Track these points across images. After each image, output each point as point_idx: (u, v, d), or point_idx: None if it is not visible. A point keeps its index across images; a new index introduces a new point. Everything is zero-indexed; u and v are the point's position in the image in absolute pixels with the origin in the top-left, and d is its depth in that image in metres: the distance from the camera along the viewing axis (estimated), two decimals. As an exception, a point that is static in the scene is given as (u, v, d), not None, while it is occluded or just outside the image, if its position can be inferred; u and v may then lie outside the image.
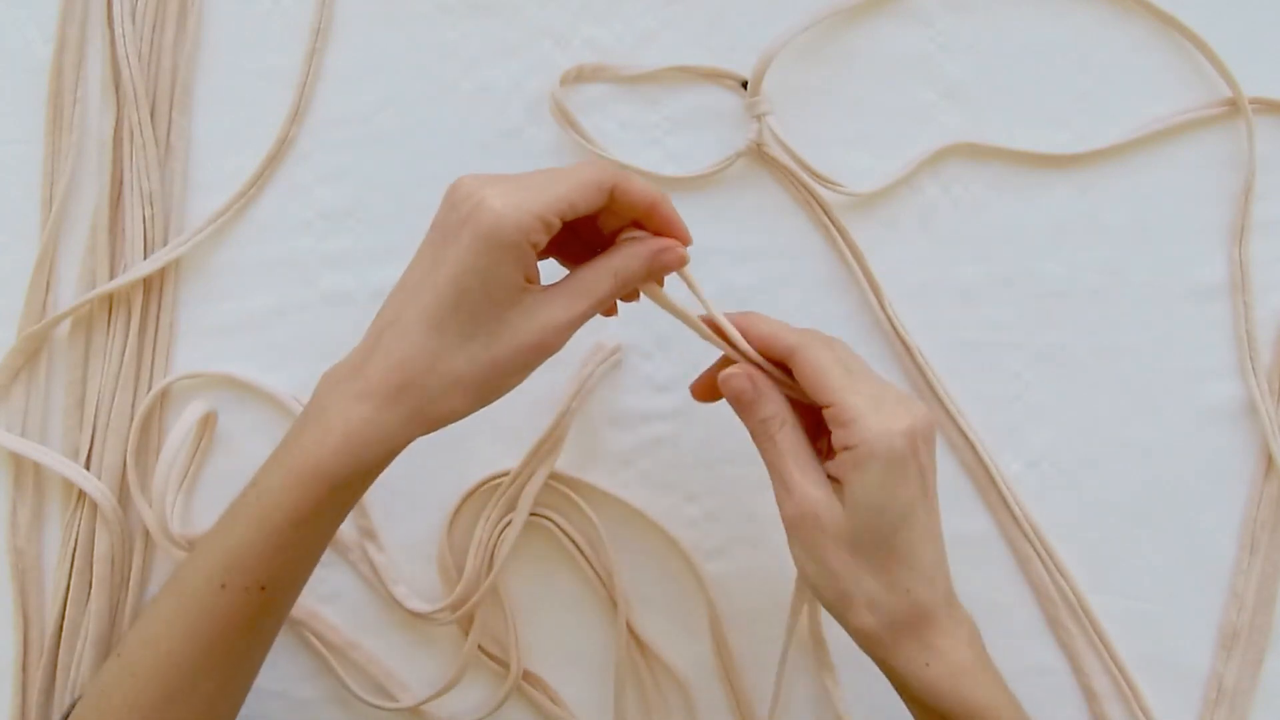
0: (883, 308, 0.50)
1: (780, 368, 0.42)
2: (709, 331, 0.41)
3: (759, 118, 0.50)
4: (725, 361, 0.43)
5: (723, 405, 0.43)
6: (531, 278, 0.38)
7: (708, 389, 0.43)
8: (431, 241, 0.39)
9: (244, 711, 0.42)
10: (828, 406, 0.39)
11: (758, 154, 0.51)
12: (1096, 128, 0.51)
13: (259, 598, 0.39)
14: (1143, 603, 0.50)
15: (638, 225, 0.40)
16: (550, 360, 0.39)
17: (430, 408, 0.38)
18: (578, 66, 0.51)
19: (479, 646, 0.50)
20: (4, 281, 0.52)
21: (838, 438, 0.39)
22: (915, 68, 0.51)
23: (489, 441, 0.50)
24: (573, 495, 0.50)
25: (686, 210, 0.41)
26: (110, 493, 0.50)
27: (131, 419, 0.51)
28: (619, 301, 0.42)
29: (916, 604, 0.39)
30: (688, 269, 0.41)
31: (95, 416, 0.51)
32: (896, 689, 0.41)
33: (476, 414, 0.39)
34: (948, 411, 0.50)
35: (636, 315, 0.47)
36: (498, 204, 0.36)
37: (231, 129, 0.53)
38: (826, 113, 0.51)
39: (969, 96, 0.51)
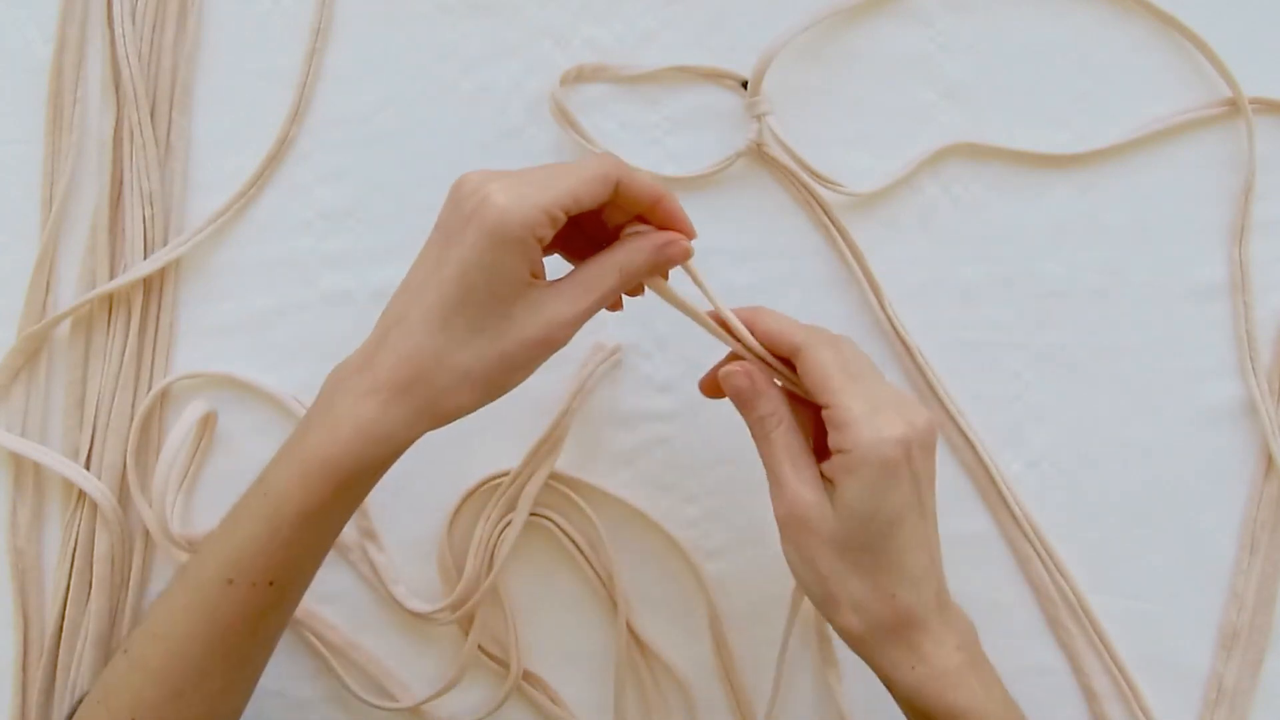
0: (883, 308, 0.50)
1: (786, 364, 0.42)
2: (714, 326, 0.42)
3: (759, 118, 0.50)
4: (734, 357, 0.43)
5: (724, 404, 0.43)
6: (537, 273, 0.38)
7: (715, 384, 0.43)
8: (437, 237, 0.39)
9: (244, 711, 0.42)
10: (826, 407, 0.39)
11: (758, 154, 0.51)
12: (1096, 128, 0.51)
13: (267, 593, 0.39)
14: (1143, 603, 0.50)
15: (642, 220, 0.41)
16: (550, 360, 0.39)
17: (438, 403, 0.38)
18: (578, 66, 0.51)
19: (479, 646, 0.50)
20: (4, 281, 0.52)
21: (833, 440, 0.39)
22: (915, 68, 0.51)
23: (489, 441, 0.50)
24: (573, 495, 0.50)
25: (687, 210, 0.41)
26: (110, 493, 0.50)
27: (131, 419, 0.51)
28: (623, 296, 0.42)
29: (901, 609, 0.39)
30: (692, 263, 0.41)
31: (95, 416, 0.51)
32: (886, 688, 0.41)
33: (477, 413, 0.39)
34: (948, 411, 0.50)
35: (636, 315, 0.47)
36: (502, 199, 0.36)
37: (231, 129, 0.53)
38: (826, 113, 0.51)
39: (969, 96, 0.51)
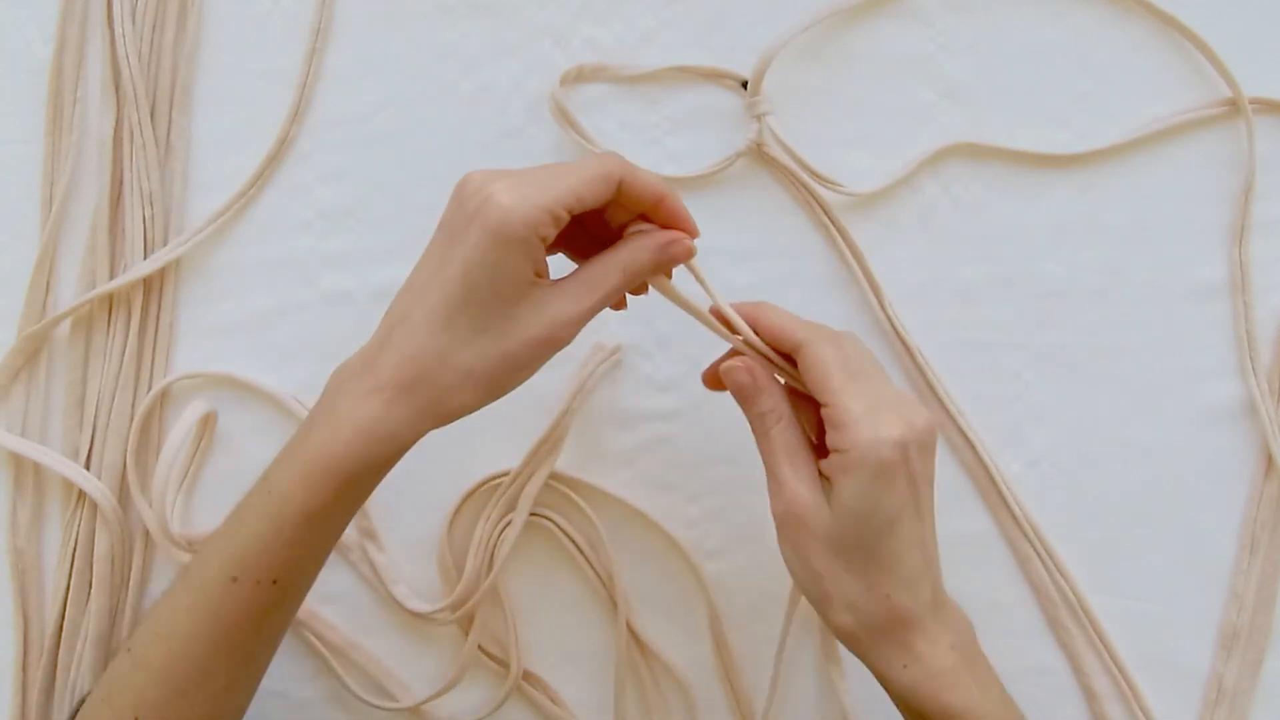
0: (883, 308, 0.50)
1: (788, 360, 0.42)
2: (717, 324, 0.42)
3: (759, 118, 0.50)
4: (736, 352, 0.43)
5: (725, 405, 0.43)
6: (540, 272, 0.38)
7: (718, 377, 0.43)
8: (440, 237, 0.39)
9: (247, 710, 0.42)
10: (825, 406, 0.39)
11: (758, 154, 0.51)
12: (1096, 128, 0.51)
13: (270, 591, 0.39)
14: (1143, 603, 0.50)
15: (645, 219, 0.41)
16: (551, 359, 0.39)
17: (441, 402, 0.38)
18: (578, 66, 0.51)
19: (479, 646, 0.50)
20: (4, 281, 0.52)
21: (831, 439, 0.39)
22: (915, 68, 0.51)
23: (489, 441, 0.50)
24: (573, 495, 0.50)
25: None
26: (110, 493, 0.50)
27: (131, 419, 0.51)
28: (627, 295, 0.42)
29: (895, 609, 0.39)
30: (695, 261, 0.41)
31: (95, 416, 0.51)
32: (882, 687, 0.41)
33: (477, 413, 0.39)
34: (948, 411, 0.50)
35: (637, 315, 0.47)
36: (505, 199, 0.36)
37: (231, 129, 0.53)
38: (826, 113, 0.51)
39: (969, 96, 0.51)
